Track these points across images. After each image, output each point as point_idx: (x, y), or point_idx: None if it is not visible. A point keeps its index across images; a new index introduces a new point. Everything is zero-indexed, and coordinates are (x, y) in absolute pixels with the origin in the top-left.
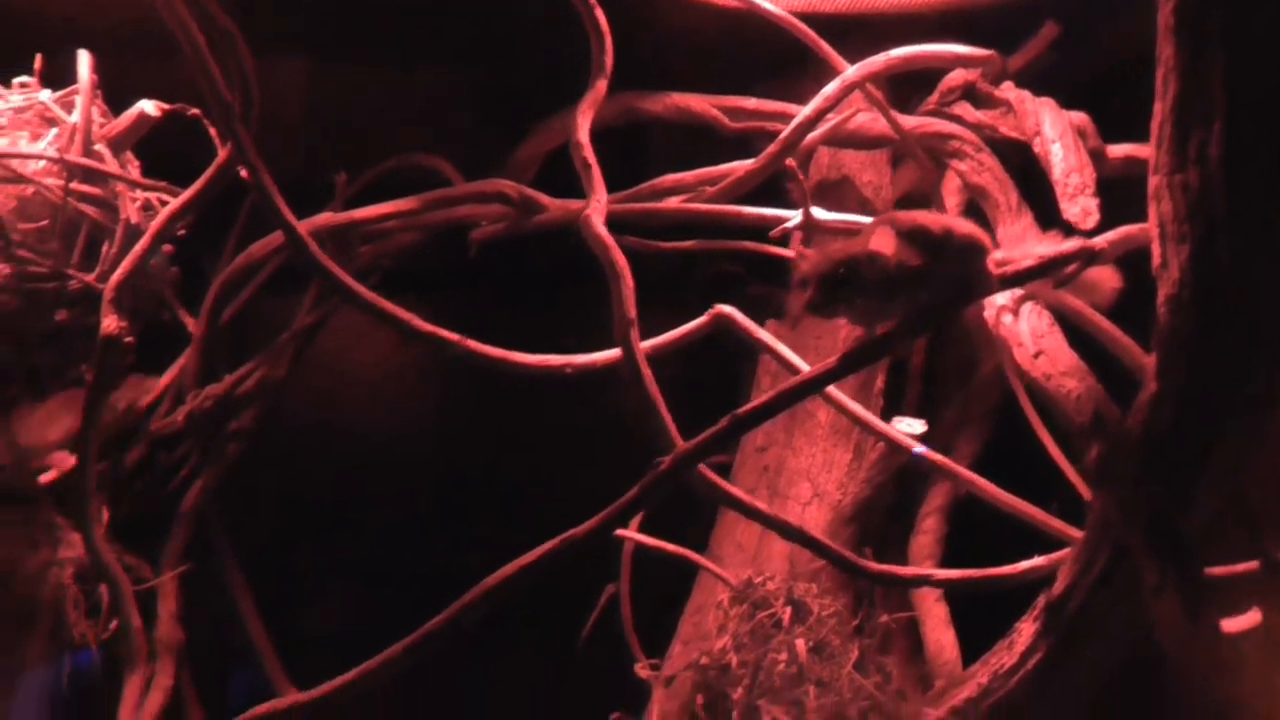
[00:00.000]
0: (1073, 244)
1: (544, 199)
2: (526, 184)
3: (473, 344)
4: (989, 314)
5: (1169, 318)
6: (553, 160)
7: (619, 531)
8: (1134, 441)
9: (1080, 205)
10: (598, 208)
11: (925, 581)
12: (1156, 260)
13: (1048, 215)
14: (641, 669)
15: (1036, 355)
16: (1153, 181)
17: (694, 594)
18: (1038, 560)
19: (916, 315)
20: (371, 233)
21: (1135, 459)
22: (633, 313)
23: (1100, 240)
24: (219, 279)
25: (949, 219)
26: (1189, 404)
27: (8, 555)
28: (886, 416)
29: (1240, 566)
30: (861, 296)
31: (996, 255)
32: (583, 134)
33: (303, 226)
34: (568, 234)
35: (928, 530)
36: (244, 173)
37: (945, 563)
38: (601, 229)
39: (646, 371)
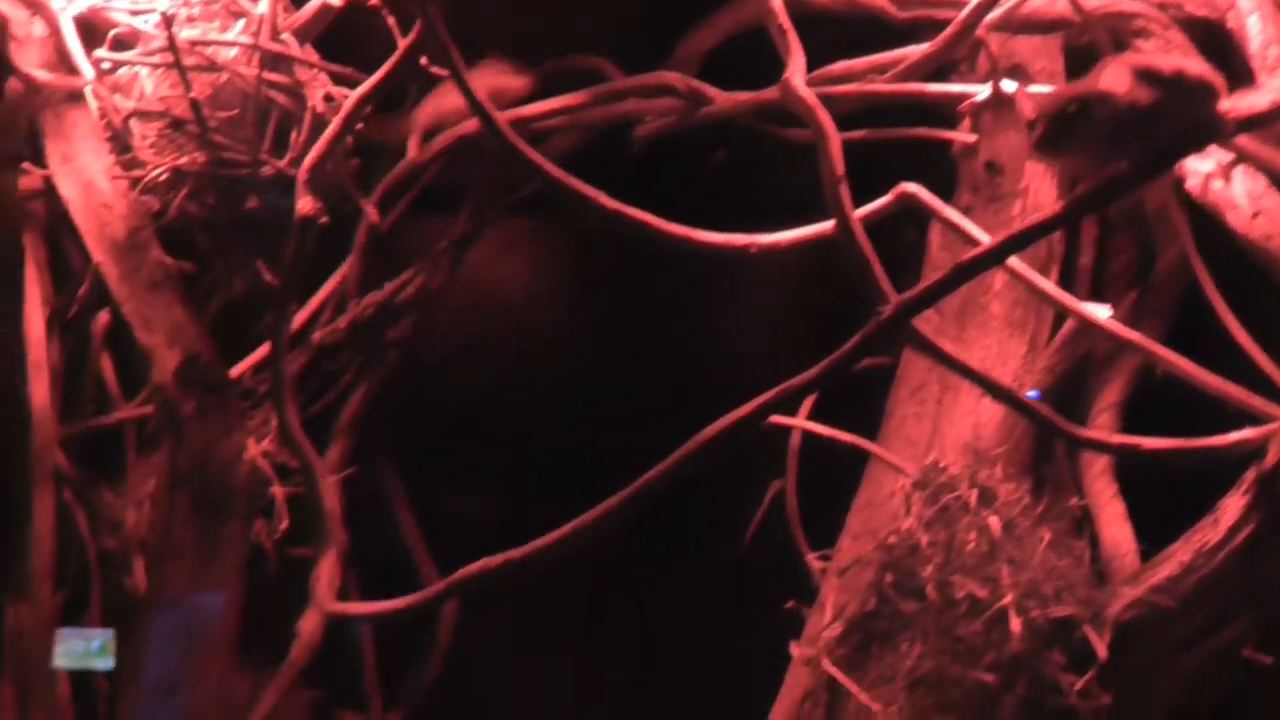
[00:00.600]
0: None
1: (712, 91)
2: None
3: (656, 221)
4: (1194, 184)
5: None
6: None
7: (779, 418)
8: None
9: None
10: (798, 69)
11: (1133, 451)
12: None
13: None
14: (814, 560)
15: (1254, 216)
16: None
17: (861, 489)
18: (1248, 432)
19: (1146, 158)
20: (536, 131)
21: None
22: (840, 170)
23: None
24: (384, 182)
25: (1181, 60)
26: None
27: (205, 443)
28: (1057, 315)
29: None
30: (1091, 136)
31: (1224, 103)
32: (774, 1)
33: (471, 125)
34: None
35: (1101, 426)
36: (425, 62)
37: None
38: (804, 90)
39: (858, 227)
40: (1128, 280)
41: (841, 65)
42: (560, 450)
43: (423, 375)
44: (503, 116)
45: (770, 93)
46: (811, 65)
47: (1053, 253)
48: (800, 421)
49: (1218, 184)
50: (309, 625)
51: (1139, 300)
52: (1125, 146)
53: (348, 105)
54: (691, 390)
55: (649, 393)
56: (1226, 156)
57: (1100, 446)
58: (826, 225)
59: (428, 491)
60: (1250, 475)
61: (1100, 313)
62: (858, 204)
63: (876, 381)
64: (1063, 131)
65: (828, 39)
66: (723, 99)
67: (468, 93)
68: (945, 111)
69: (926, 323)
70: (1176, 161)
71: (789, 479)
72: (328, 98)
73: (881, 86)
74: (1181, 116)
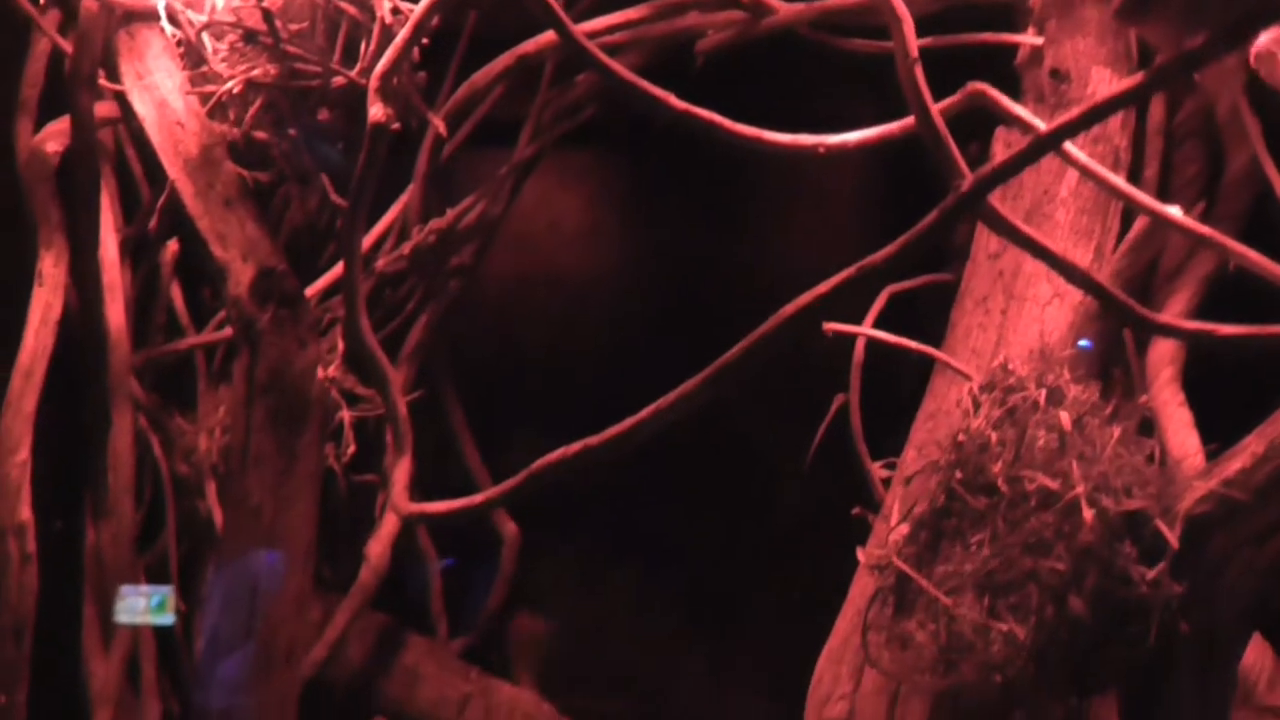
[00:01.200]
0: None
1: (776, 3)
2: None
3: (726, 122)
4: (1263, 66)
5: None
6: None
7: (843, 326)
8: None
9: None
10: None
11: (1208, 336)
12: None
13: None
14: (879, 468)
15: None
16: None
17: (926, 400)
18: None
19: (1223, 31)
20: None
21: None
22: (915, 53)
23: None
24: (443, 109)
25: None
26: None
27: (280, 355)
28: (1122, 223)
29: None
30: (1171, 4)
31: None
32: None
33: (530, 46)
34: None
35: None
36: None
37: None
38: None
39: (932, 105)
40: (1196, 191)
41: None
42: (621, 383)
43: (482, 307)
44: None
45: None
46: None
47: (1119, 160)
48: (865, 329)
49: None
50: (378, 548)
51: (1207, 210)
52: (1204, 16)
53: (416, 15)
54: (750, 323)
55: (707, 326)
56: None
57: (1175, 331)
58: (895, 125)
59: (490, 424)
60: None
61: (1171, 210)
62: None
63: (939, 302)
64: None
65: None
66: (785, 9)
67: (549, 11)
68: (1011, 17)
69: (990, 236)
70: (1253, 35)
71: (853, 393)
72: (395, 10)
73: None
74: None
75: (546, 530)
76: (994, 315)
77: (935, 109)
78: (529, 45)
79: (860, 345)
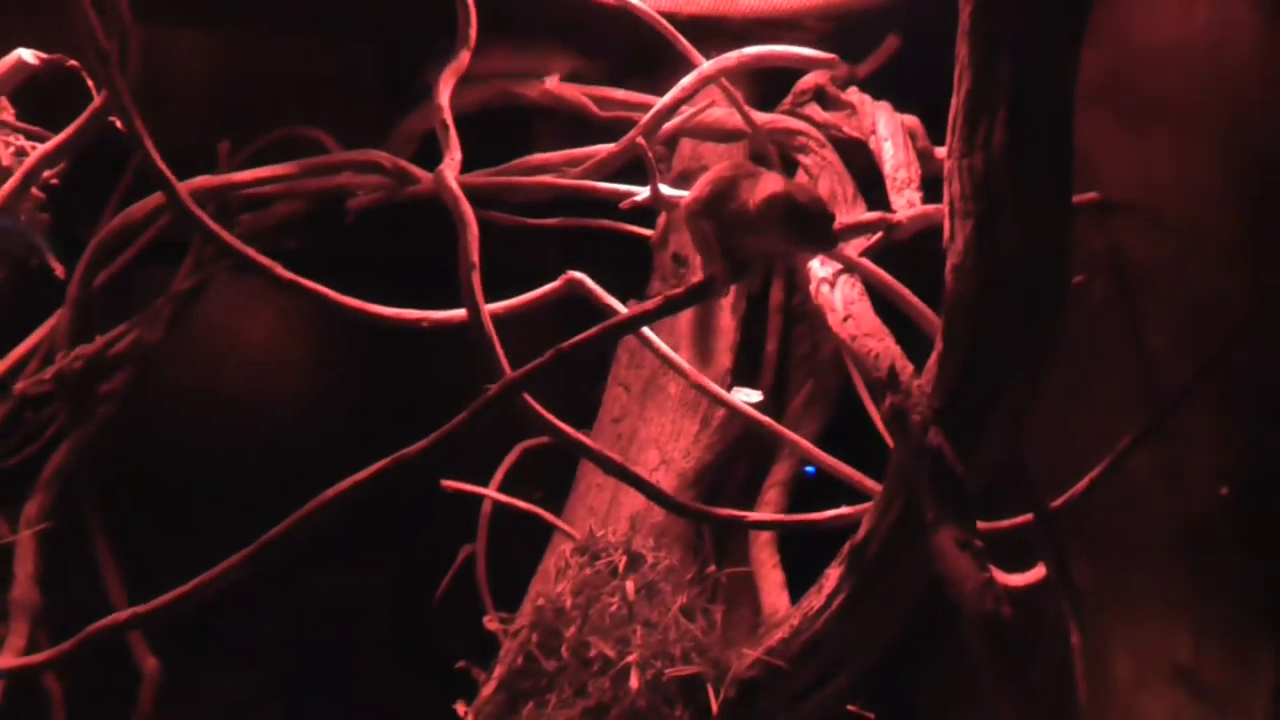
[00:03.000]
0: (873, 214)
1: (417, 171)
2: (408, 157)
3: (332, 294)
4: (813, 286)
5: (954, 284)
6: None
7: (465, 486)
8: (923, 393)
9: (906, 197)
10: (452, 165)
11: (741, 524)
12: (946, 235)
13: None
14: (490, 621)
15: (845, 319)
16: (946, 165)
17: (546, 557)
18: (844, 509)
19: (761, 257)
20: (252, 196)
21: (923, 409)
22: (475, 259)
23: (899, 215)
24: (95, 239)
25: (810, 190)
26: (972, 362)
27: None
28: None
29: (1016, 520)
30: (724, 237)
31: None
32: (442, 98)
33: (181, 187)
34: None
35: (769, 502)
36: (118, 123)
37: (784, 541)
38: (454, 184)
39: (485, 311)
40: (807, 367)
41: (539, 157)
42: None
43: (148, 428)
44: (214, 180)
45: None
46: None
47: (731, 338)
48: (479, 489)
49: (826, 289)
50: None
51: (811, 384)
52: (748, 241)
53: (28, 162)
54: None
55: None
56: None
57: (707, 518)
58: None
59: (145, 545)
60: (845, 548)
61: (752, 396)
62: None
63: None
64: (709, 208)
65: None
66: (428, 178)
67: (150, 160)
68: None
69: (615, 400)
70: (782, 262)
71: (479, 544)
72: (20, 152)
73: (559, 181)
74: (797, 232)
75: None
76: (610, 477)
77: (486, 310)
78: (137, 208)
79: (487, 504)
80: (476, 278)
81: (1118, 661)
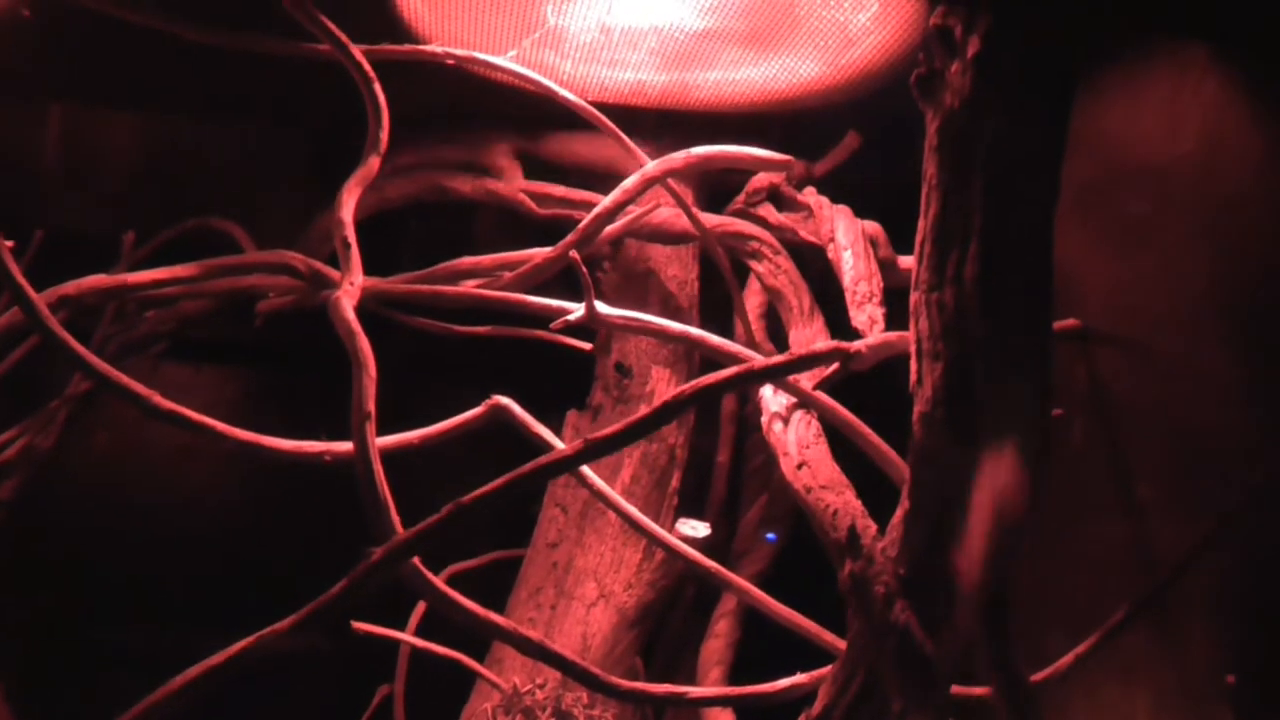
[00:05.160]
0: (828, 344)
1: (333, 273)
2: (324, 256)
3: (221, 426)
4: (765, 420)
5: (922, 435)
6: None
7: (356, 624)
8: (887, 559)
9: (867, 313)
10: (350, 291)
11: (680, 700)
12: (914, 377)
13: (842, 320)
14: None
15: (800, 466)
16: (913, 297)
17: (472, 699)
18: (799, 677)
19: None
20: (156, 298)
21: (887, 578)
22: (370, 406)
23: (859, 344)
24: None
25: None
26: (942, 525)
27: None
28: (682, 516)
29: (982, 689)
30: None
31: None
32: (346, 212)
33: (71, 288)
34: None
35: (719, 634)
36: None
37: (739, 668)
38: (350, 314)
39: (378, 467)
40: (761, 479)
41: (468, 261)
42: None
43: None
44: (107, 281)
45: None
46: None
47: (675, 459)
48: (393, 633)
49: (778, 426)
50: None
51: (765, 505)
52: None
53: None
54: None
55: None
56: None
57: (643, 698)
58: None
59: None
60: None
61: (698, 530)
62: None
63: None
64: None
65: None
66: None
67: (5, 274)
68: None
69: (552, 523)
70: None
71: (398, 685)
72: None
73: (487, 293)
74: None
75: None
76: (544, 610)
77: (378, 463)
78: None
79: (405, 649)
80: (371, 429)
81: None
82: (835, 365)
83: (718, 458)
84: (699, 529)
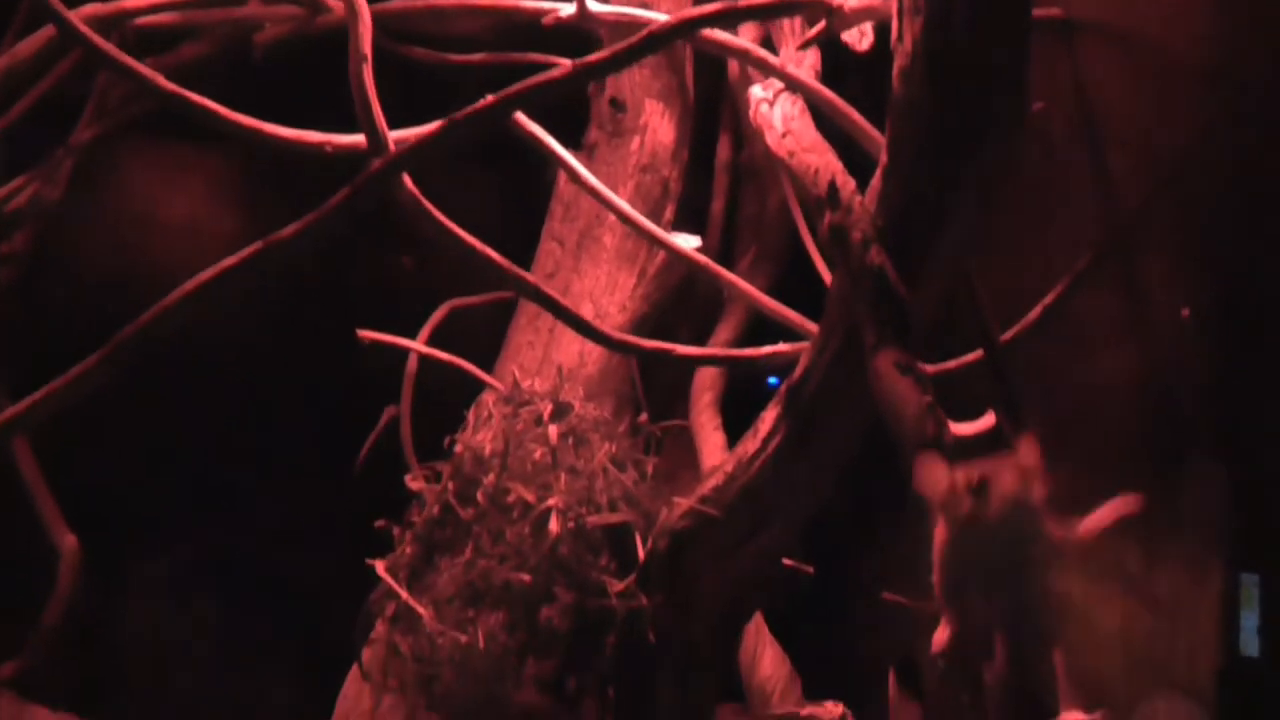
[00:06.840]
0: None
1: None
2: None
3: (225, 111)
4: (752, 108)
5: (901, 89)
6: None
7: (368, 335)
8: (865, 210)
9: None
10: None
11: (670, 357)
12: (894, 34)
13: None
14: (411, 480)
15: (784, 135)
16: None
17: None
18: (782, 346)
19: None
20: (156, 28)
21: (865, 226)
22: (366, 50)
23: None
24: None
25: None
26: (919, 176)
27: None
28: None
29: (964, 359)
30: None
31: None
32: None
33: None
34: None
35: (711, 368)
36: None
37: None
38: None
39: (379, 116)
40: (754, 228)
41: None
42: (222, 384)
43: (63, 303)
44: (104, 9)
45: None
46: None
47: (668, 190)
48: (403, 341)
49: (765, 108)
50: None
51: (757, 241)
52: None
53: None
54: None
55: (314, 327)
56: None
57: (632, 349)
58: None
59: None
60: (782, 388)
61: (690, 241)
62: None
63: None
64: None
65: None
66: (340, 8)
67: None
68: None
69: (549, 255)
70: None
71: (404, 403)
72: None
73: (479, 1)
74: None
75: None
76: (542, 334)
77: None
78: (24, 46)
79: (413, 358)
80: (368, 71)
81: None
82: (821, 25)
83: (711, 206)
84: (692, 240)
